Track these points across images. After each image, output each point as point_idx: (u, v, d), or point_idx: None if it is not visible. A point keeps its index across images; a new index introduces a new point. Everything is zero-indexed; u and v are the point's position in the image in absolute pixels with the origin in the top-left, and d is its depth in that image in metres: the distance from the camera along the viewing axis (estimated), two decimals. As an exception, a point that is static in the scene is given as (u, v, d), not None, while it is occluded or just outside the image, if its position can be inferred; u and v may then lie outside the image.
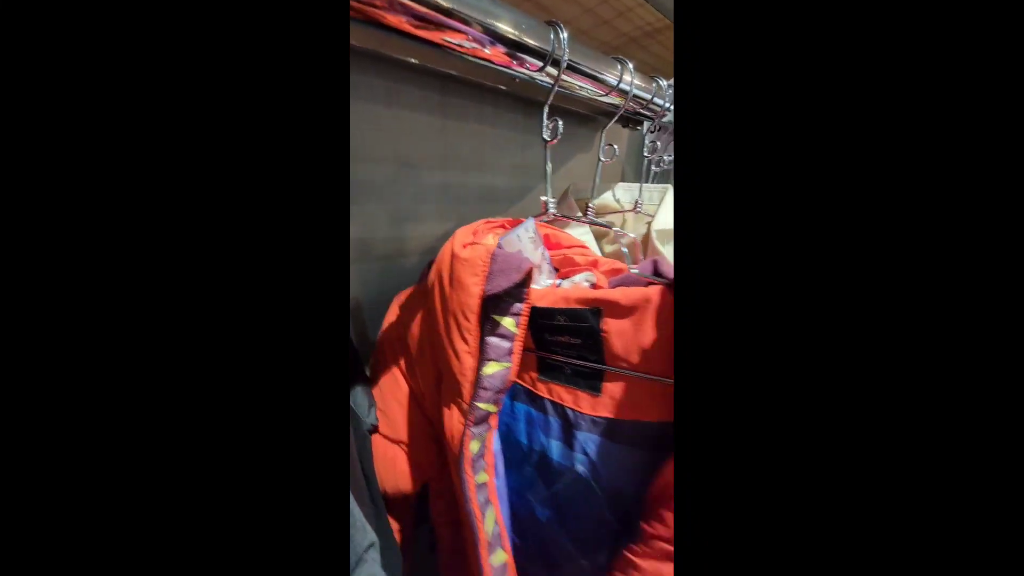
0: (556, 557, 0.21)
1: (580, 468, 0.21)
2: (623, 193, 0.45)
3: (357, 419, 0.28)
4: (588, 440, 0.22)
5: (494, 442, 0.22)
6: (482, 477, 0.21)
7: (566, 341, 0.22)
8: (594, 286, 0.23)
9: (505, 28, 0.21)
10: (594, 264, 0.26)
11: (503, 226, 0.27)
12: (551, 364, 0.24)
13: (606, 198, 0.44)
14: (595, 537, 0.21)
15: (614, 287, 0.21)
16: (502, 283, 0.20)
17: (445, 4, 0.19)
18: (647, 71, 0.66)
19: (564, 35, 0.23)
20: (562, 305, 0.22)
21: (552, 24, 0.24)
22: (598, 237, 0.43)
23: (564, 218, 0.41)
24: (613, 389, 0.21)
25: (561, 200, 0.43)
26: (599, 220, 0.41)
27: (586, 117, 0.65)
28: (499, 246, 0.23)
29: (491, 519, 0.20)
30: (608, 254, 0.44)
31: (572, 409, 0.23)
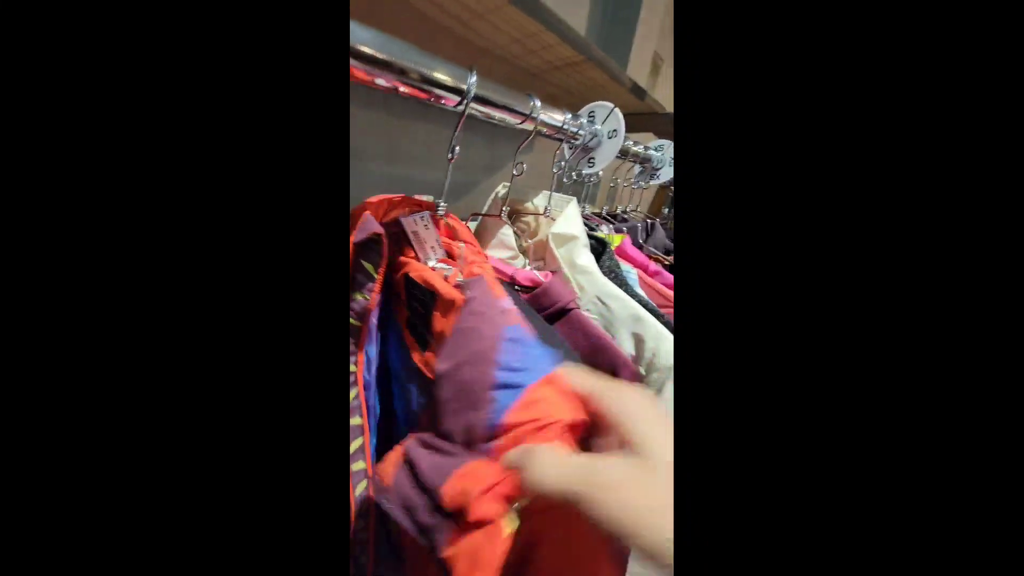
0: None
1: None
2: (541, 200, 0.54)
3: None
4: (413, 378, 0.33)
5: (365, 347, 0.32)
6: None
7: (418, 307, 0.33)
8: (447, 278, 0.32)
9: (433, 74, 0.29)
10: (465, 259, 0.34)
11: (420, 204, 0.35)
12: (412, 318, 0.34)
13: (527, 201, 0.53)
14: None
15: (467, 283, 0.30)
16: (359, 236, 0.29)
17: (382, 56, 0.26)
18: (568, 98, 0.75)
19: (473, 79, 0.32)
20: (419, 281, 0.32)
21: (470, 68, 0.32)
22: (521, 234, 0.52)
23: (487, 215, 0.49)
24: (428, 356, 0.30)
25: (492, 201, 0.51)
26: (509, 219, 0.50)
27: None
28: (396, 220, 0.33)
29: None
30: (525, 248, 0.53)
31: (410, 351, 0.33)
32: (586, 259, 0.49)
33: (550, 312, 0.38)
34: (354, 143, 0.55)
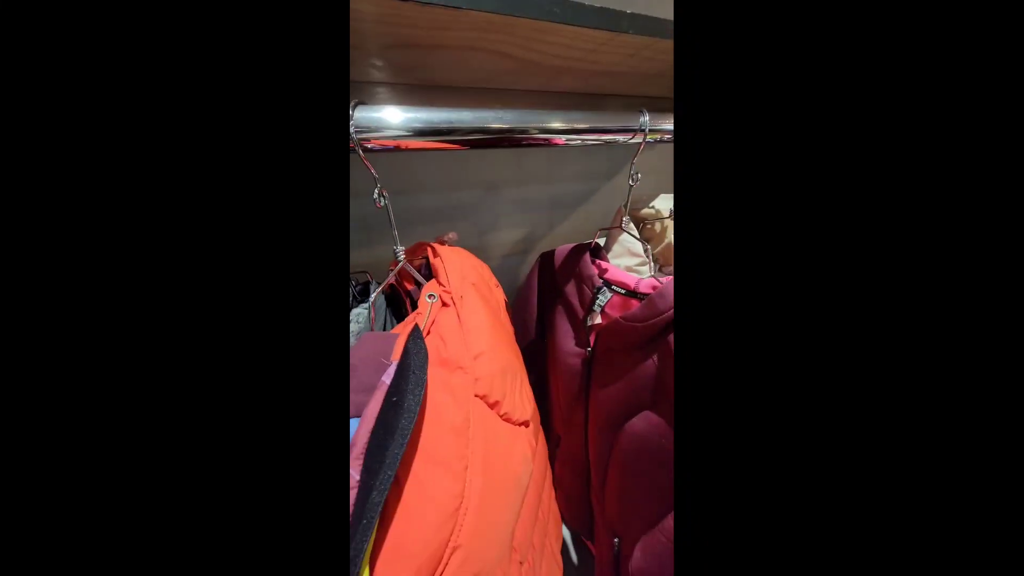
0: None
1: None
2: (660, 203, 0.53)
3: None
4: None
5: None
6: None
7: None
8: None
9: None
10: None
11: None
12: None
13: (655, 206, 0.54)
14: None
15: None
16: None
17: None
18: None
19: (646, 117, 0.38)
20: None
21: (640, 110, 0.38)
22: (648, 239, 0.53)
23: (612, 228, 0.51)
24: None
25: (616, 214, 0.54)
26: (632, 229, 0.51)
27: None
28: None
29: None
30: (656, 254, 0.53)
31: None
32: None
33: (662, 319, 0.36)
34: (488, 177, 0.66)
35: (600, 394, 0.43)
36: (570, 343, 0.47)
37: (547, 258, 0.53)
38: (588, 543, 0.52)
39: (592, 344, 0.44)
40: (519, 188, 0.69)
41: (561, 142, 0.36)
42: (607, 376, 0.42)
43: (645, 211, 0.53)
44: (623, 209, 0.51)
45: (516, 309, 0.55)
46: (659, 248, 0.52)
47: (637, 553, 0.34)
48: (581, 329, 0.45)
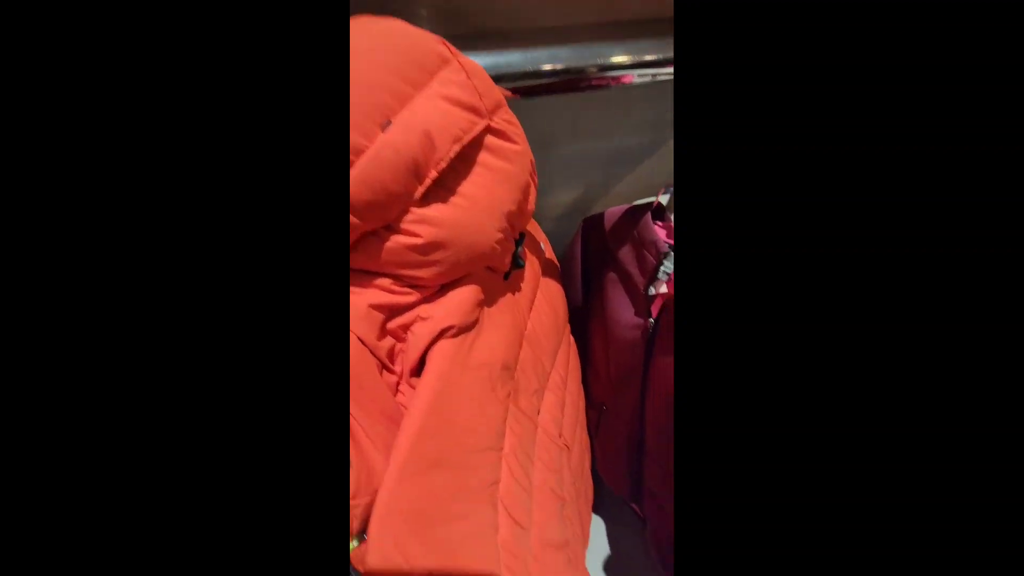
0: None
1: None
2: None
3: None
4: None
5: None
6: None
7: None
8: None
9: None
10: None
11: None
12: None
13: None
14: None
15: None
16: None
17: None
18: None
19: None
20: None
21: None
22: None
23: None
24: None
25: None
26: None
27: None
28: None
29: None
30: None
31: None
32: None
33: None
34: (538, 131, 0.60)
35: (666, 370, 0.39)
36: (627, 314, 0.43)
37: (594, 222, 0.48)
38: (634, 506, 0.51)
39: (655, 315, 0.40)
40: (573, 143, 0.63)
41: (630, 79, 0.30)
42: (673, 350, 0.39)
43: None
44: None
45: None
46: None
47: None
48: (641, 299, 0.41)
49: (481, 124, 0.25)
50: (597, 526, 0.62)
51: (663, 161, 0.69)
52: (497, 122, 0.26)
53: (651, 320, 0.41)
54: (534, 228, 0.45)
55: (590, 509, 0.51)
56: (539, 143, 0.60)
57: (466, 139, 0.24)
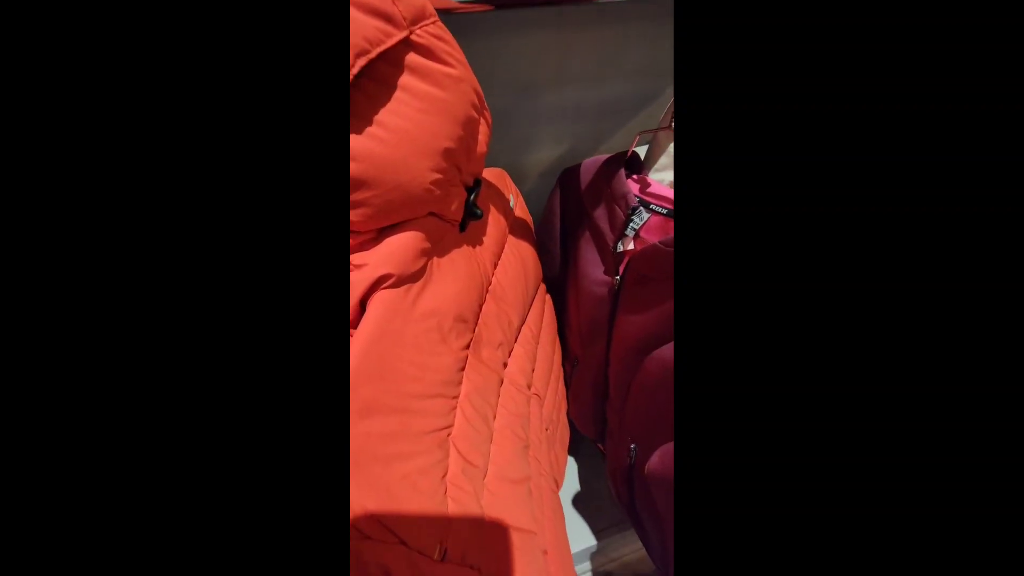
0: None
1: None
2: None
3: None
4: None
5: None
6: None
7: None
8: None
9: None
10: None
11: None
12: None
13: None
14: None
15: None
16: None
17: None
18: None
19: None
20: None
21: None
22: None
23: (659, 130, 0.42)
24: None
25: (667, 112, 0.43)
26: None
27: None
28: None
29: None
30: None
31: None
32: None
33: None
34: (523, 75, 0.56)
35: (627, 325, 0.39)
36: (597, 271, 0.42)
37: (570, 175, 0.46)
38: (599, 446, 0.54)
39: (621, 273, 0.39)
40: (558, 91, 0.59)
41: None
42: (636, 307, 0.38)
43: None
44: (671, 109, 0.41)
45: (539, 237, 0.51)
46: None
47: (655, 458, 0.36)
48: (610, 256, 0.40)
49: (397, 36, 0.21)
50: (575, 469, 0.67)
51: (660, 113, 0.65)
52: (421, 36, 0.22)
53: (617, 278, 0.40)
54: (502, 181, 0.44)
55: (565, 452, 0.54)
56: (520, 90, 0.56)
57: (374, 53, 0.20)
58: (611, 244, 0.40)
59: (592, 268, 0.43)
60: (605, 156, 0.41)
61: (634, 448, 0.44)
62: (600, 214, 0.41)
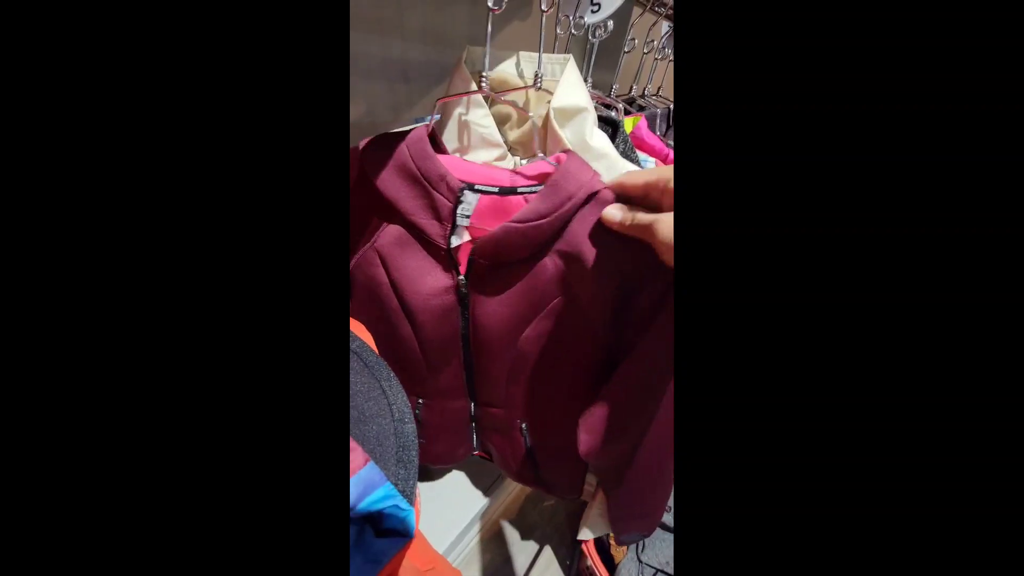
0: None
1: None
2: (528, 64, 0.39)
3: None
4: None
5: None
6: None
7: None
8: None
9: None
10: None
11: None
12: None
13: (505, 70, 0.38)
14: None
15: None
16: None
17: None
18: None
19: None
20: None
21: None
22: (500, 122, 0.39)
23: (459, 95, 0.36)
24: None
25: (455, 72, 0.37)
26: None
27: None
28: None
29: None
30: (514, 141, 0.41)
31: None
32: (600, 139, 0.37)
33: (575, 203, 0.30)
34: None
35: (489, 317, 0.34)
36: (430, 279, 0.34)
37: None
38: (480, 454, 0.51)
39: (464, 270, 0.33)
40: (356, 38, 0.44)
41: None
42: (494, 293, 0.34)
43: (496, 74, 0.38)
44: (463, 69, 0.35)
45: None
46: (518, 133, 0.40)
47: (584, 437, 0.35)
48: (443, 254, 0.33)
49: None
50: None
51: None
52: None
53: (461, 278, 0.34)
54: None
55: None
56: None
57: None
58: (444, 240, 0.33)
59: (421, 278, 0.34)
60: (397, 131, 0.32)
61: (524, 427, 0.42)
62: (415, 206, 0.32)
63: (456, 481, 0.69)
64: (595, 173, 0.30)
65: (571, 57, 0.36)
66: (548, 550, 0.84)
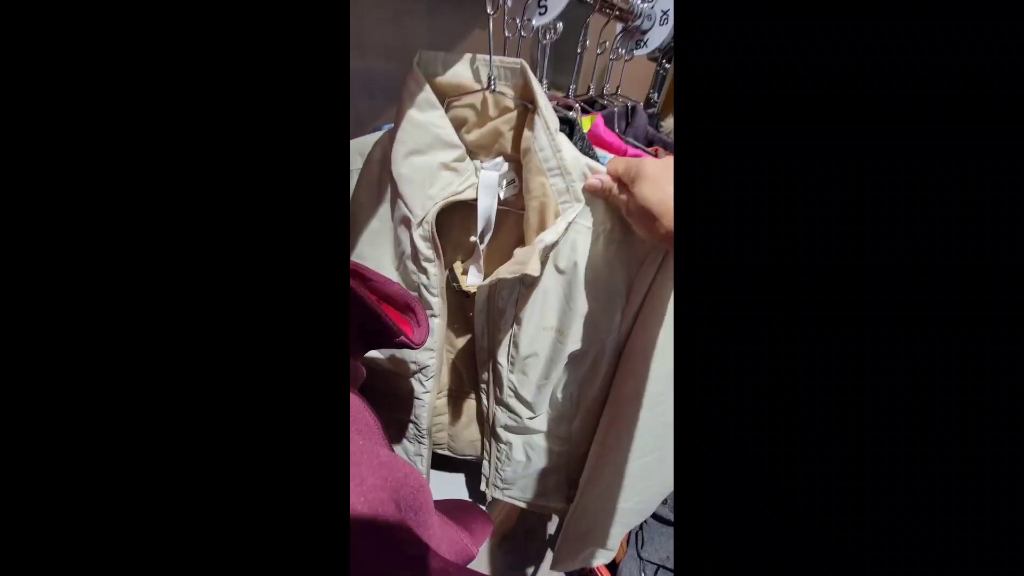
0: None
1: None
2: (483, 66, 0.40)
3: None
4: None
5: None
6: None
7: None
8: None
9: None
10: None
11: None
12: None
13: (461, 73, 0.39)
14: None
15: None
16: None
17: None
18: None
19: None
20: None
21: None
22: (457, 125, 0.40)
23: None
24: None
25: (408, 76, 0.38)
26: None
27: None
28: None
29: None
30: (473, 143, 0.41)
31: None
32: (559, 139, 0.39)
33: None
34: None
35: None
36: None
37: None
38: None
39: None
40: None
41: None
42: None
43: (450, 78, 0.38)
44: (416, 72, 0.36)
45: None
46: (477, 135, 0.41)
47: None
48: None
49: None
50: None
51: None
52: None
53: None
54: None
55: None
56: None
57: None
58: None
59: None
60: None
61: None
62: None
63: (456, 481, 0.68)
64: None
65: (521, 60, 0.38)
66: (550, 553, 0.83)
